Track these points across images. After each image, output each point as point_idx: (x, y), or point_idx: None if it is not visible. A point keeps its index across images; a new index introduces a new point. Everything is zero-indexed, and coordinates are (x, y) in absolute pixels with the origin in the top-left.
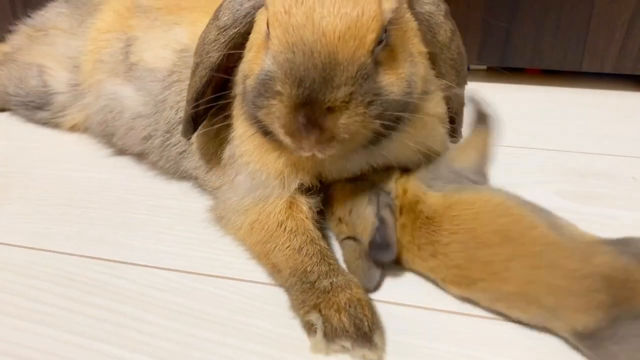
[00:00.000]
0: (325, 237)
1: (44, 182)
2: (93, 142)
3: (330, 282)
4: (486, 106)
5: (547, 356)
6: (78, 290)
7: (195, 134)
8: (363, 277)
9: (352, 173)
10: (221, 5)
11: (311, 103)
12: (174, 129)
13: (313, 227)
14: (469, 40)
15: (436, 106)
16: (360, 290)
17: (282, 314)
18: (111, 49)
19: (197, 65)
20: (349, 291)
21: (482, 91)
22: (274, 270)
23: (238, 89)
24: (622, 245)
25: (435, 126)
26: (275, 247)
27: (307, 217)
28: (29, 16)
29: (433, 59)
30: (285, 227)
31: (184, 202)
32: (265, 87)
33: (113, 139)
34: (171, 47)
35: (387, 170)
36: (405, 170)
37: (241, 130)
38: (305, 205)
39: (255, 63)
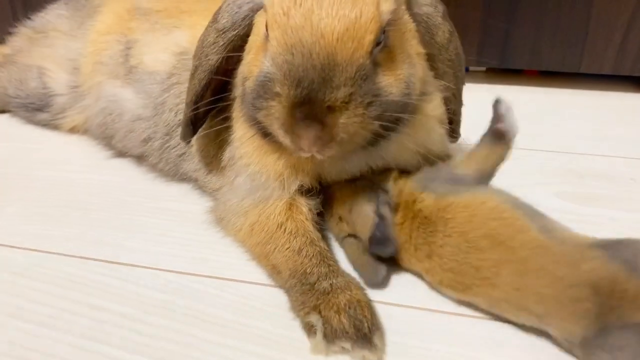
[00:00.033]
0: (325, 238)
1: (44, 183)
2: (93, 144)
3: (330, 284)
4: (509, 122)
5: (546, 357)
6: (78, 292)
7: (195, 137)
8: (370, 271)
9: (351, 174)
10: (220, 8)
11: (310, 102)
12: (173, 131)
13: (313, 229)
14: (468, 42)
15: (435, 107)
16: (360, 292)
17: (282, 315)
18: (111, 51)
19: (196, 68)
20: (349, 292)
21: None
22: (274, 272)
23: (237, 91)
24: (615, 249)
25: (434, 127)
26: (275, 249)
27: (307, 219)
28: (29, 18)
29: (431, 60)
30: (285, 229)
31: (183, 203)
32: (264, 89)
33: (113, 141)
34: (171, 50)
35: (385, 170)
36: (404, 171)
37: (241, 132)
38: (305, 207)
39: (255, 65)
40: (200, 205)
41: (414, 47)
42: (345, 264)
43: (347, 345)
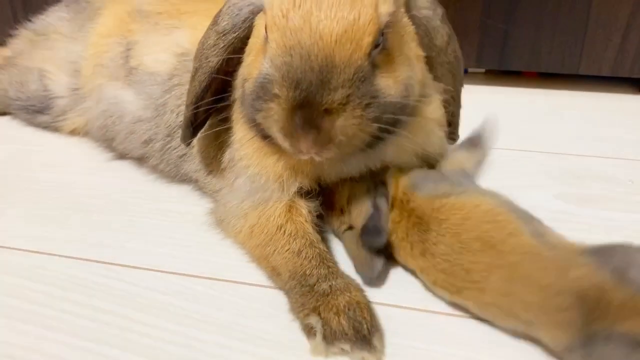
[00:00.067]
0: (324, 240)
1: (45, 186)
2: (93, 146)
3: (330, 285)
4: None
5: (545, 358)
6: (79, 294)
7: (195, 138)
8: (366, 265)
9: (350, 176)
10: (220, 10)
11: (308, 105)
12: (174, 132)
13: (312, 231)
14: (467, 44)
15: (434, 110)
16: (359, 293)
17: (281, 316)
18: (111, 53)
19: (196, 70)
20: (348, 294)
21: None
22: (274, 273)
23: (237, 93)
24: (606, 255)
25: (433, 129)
26: (274, 250)
27: (306, 221)
28: (30, 20)
29: (430, 63)
30: (285, 231)
31: (184, 205)
32: (263, 90)
33: (113, 143)
34: (171, 51)
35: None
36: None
37: (240, 133)
38: (305, 209)
39: (254, 67)
40: (201, 206)
41: (412, 49)
42: (344, 265)
43: (347, 346)
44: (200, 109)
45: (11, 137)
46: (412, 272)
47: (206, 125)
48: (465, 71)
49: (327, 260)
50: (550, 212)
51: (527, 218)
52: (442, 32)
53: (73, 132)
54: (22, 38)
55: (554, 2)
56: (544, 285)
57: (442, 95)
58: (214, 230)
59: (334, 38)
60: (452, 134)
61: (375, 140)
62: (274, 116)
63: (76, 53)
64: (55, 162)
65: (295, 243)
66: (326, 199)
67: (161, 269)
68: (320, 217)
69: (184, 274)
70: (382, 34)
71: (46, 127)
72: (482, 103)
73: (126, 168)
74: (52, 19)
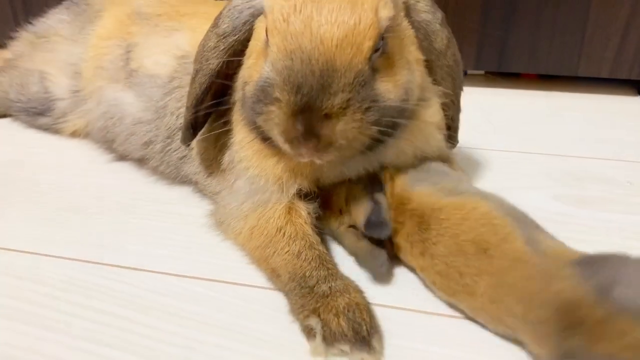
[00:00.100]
0: (324, 242)
1: (45, 187)
2: (94, 148)
3: (329, 287)
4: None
5: None
6: (80, 295)
7: (195, 140)
8: (370, 258)
9: (349, 178)
10: (221, 13)
11: (309, 110)
12: (174, 134)
13: (312, 232)
14: (466, 46)
15: (434, 113)
16: (358, 295)
17: (281, 318)
18: (112, 55)
19: (196, 72)
20: (348, 295)
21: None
22: (273, 275)
23: (238, 95)
24: (596, 266)
25: (433, 133)
26: (274, 252)
27: (306, 222)
28: (30, 22)
29: (430, 67)
30: (284, 232)
31: (184, 206)
32: (264, 94)
33: (114, 144)
34: (172, 53)
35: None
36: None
37: (240, 136)
38: (304, 211)
39: (255, 70)
40: (201, 208)
41: (412, 53)
42: (344, 267)
43: (346, 348)
44: (201, 111)
45: (12, 139)
46: (414, 271)
47: (206, 127)
48: (465, 73)
49: (326, 262)
50: (549, 214)
51: (524, 222)
52: (441, 35)
53: (74, 134)
54: (23, 40)
55: (552, 4)
56: (527, 295)
57: (441, 98)
58: (214, 232)
59: (334, 42)
60: (452, 138)
61: (375, 143)
62: (275, 119)
63: (76, 55)
64: (55, 163)
65: (295, 245)
66: (324, 200)
67: (161, 270)
68: (319, 218)
69: (184, 276)
70: (383, 38)
71: (47, 129)
72: (481, 105)
73: (126, 169)
74: (52, 21)
